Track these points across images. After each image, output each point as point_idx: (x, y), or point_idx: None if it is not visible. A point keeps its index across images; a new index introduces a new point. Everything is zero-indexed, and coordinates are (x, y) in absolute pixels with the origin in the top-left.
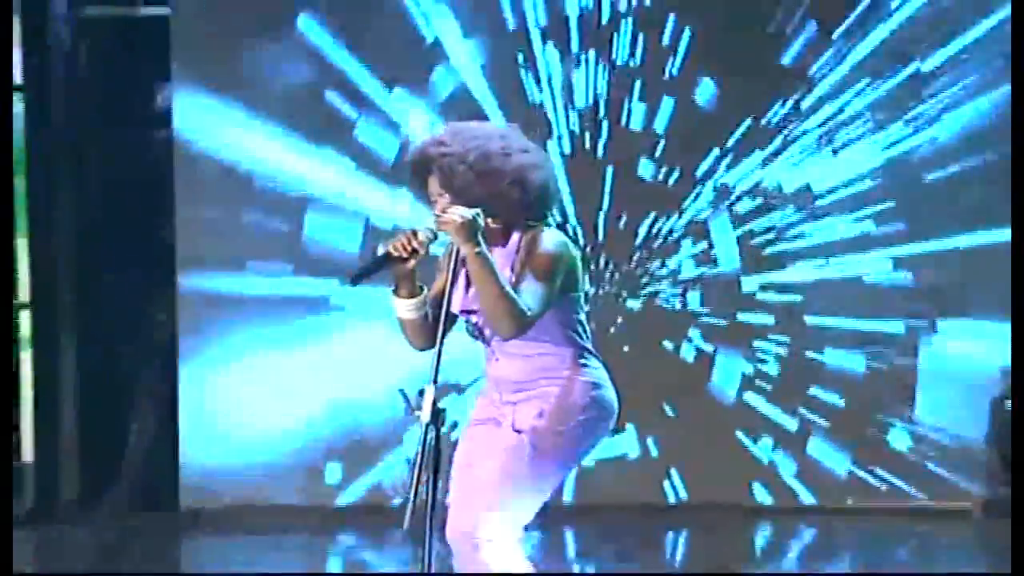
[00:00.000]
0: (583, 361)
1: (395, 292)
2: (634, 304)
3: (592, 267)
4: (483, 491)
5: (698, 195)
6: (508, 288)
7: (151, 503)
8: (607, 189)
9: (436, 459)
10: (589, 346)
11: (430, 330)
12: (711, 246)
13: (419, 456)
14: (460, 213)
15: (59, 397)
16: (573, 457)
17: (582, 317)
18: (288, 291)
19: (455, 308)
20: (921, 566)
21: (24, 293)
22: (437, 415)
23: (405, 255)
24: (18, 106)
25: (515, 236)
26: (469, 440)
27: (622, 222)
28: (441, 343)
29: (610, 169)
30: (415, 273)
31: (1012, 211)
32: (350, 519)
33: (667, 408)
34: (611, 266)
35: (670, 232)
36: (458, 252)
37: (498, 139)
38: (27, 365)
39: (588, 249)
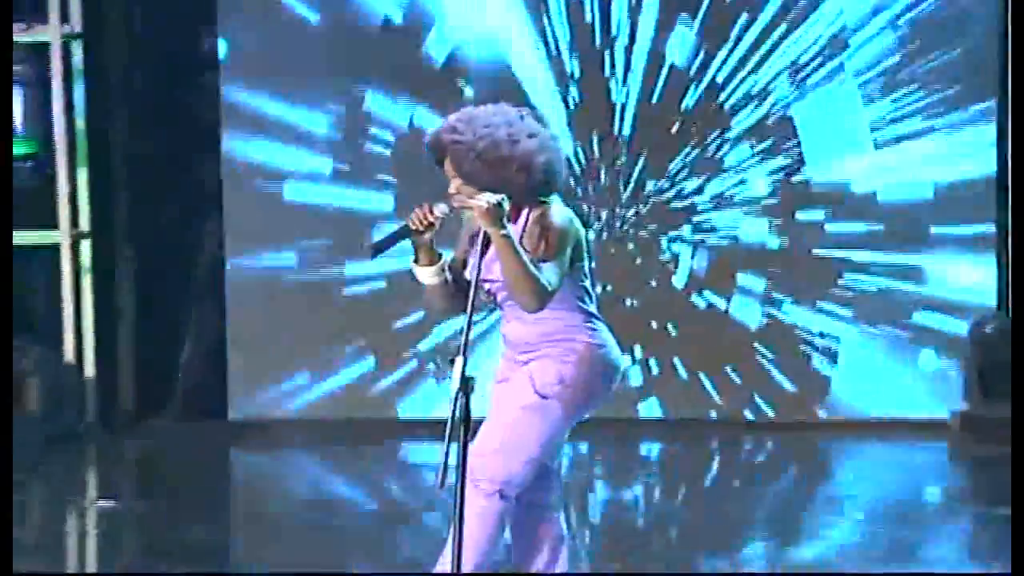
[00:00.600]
0: (589, 325)
1: (415, 261)
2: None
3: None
4: (492, 440)
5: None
6: (531, 267)
7: (201, 415)
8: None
9: (466, 424)
10: (594, 310)
11: (450, 295)
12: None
13: (450, 421)
14: (486, 199)
15: (117, 318)
16: (579, 412)
17: (587, 284)
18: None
19: (471, 277)
20: (903, 477)
21: (84, 222)
22: (466, 383)
23: (423, 228)
24: (77, 52)
25: (524, 212)
26: (494, 397)
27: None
28: (470, 317)
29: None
30: (433, 242)
31: (1011, 210)
32: (393, 431)
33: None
34: (631, 188)
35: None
36: (479, 228)
37: (506, 127)
38: (88, 290)
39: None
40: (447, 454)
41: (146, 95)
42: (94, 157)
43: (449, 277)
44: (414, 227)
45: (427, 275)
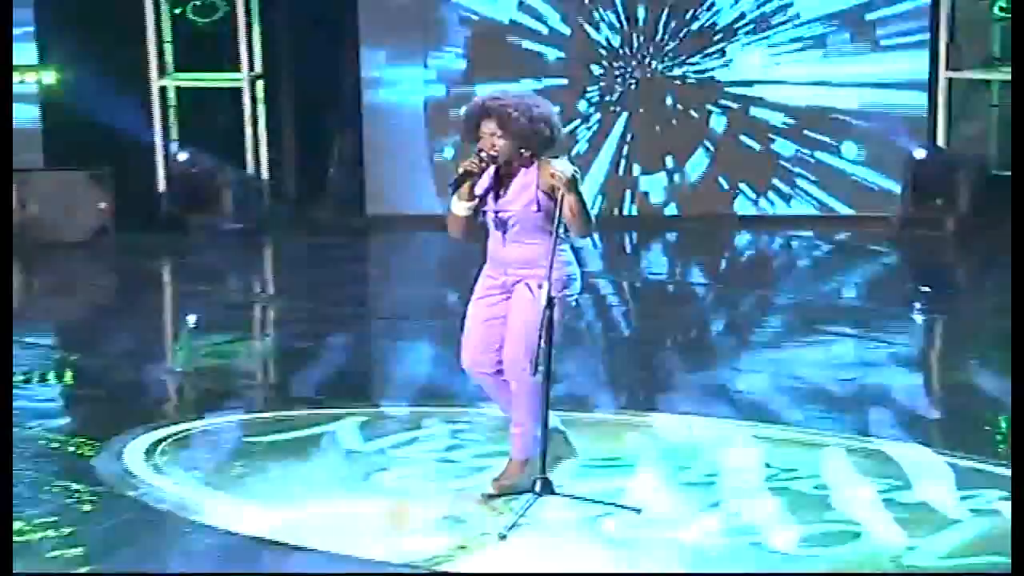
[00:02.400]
0: (561, 248)
1: (457, 195)
2: None
3: None
4: (519, 337)
5: None
6: (590, 210)
7: (346, 210)
8: None
9: (550, 332)
10: (564, 236)
11: (471, 225)
12: None
13: (541, 331)
14: (563, 171)
15: (283, 137)
16: (562, 312)
17: (558, 215)
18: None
19: (490, 208)
20: (854, 259)
21: (259, 67)
22: (551, 302)
23: (478, 171)
24: None
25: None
26: (484, 306)
27: None
28: (554, 251)
29: None
30: (474, 184)
31: (1012, 207)
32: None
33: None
34: None
35: None
36: (497, 169)
37: (531, 98)
38: (262, 118)
39: None
40: (538, 351)
41: None
42: (265, 15)
43: (475, 212)
44: (475, 170)
45: (465, 208)
